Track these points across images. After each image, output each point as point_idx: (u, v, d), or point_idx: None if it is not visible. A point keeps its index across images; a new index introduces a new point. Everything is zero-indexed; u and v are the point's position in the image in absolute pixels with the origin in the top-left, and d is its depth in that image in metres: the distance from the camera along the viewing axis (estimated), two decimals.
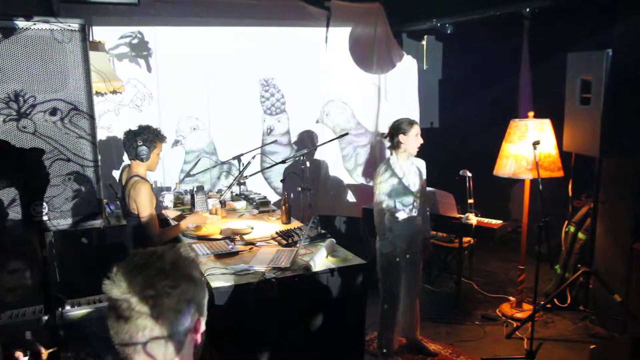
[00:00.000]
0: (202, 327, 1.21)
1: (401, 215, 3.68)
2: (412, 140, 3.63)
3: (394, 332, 3.91)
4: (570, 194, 4.84)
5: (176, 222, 3.82)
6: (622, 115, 3.75)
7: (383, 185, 3.67)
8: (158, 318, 1.11)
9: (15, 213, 3.04)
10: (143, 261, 1.15)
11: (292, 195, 5.33)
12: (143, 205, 3.38)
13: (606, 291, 4.23)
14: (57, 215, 3.35)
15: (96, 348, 3.08)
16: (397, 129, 3.66)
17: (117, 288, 1.11)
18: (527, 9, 4.59)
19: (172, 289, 1.12)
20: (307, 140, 5.94)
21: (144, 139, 3.43)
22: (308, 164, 4.38)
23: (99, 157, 3.52)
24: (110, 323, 1.13)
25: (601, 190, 4.32)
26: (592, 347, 3.47)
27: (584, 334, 4.27)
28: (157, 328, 1.11)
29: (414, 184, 3.70)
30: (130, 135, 3.47)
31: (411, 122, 3.65)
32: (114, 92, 4.24)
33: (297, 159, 4.31)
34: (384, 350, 3.86)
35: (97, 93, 4.04)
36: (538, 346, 3.80)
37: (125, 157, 4.83)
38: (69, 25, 3.23)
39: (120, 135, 4.90)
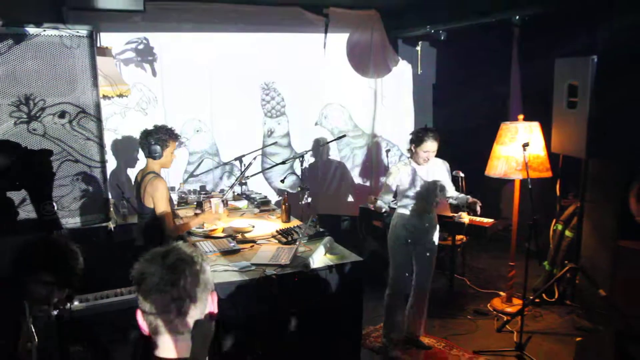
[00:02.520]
0: (215, 300, 1.38)
1: (401, 208, 3.77)
2: (420, 154, 3.66)
3: (400, 324, 3.93)
4: (558, 193, 4.86)
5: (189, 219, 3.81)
6: (606, 118, 3.77)
7: (393, 177, 3.76)
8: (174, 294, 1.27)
9: (25, 212, 3.06)
10: (160, 252, 1.32)
11: (291, 194, 5.35)
12: (160, 200, 3.37)
13: (592, 286, 4.25)
14: (66, 214, 3.37)
15: (104, 342, 3.09)
16: (413, 138, 3.73)
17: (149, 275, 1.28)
18: (517, 17, 4.60)
19: (182, 274, 1.30)
20: (306, 142, 5.95)
21: (157, 138, 3.44)
22: (307, 165, 4.39)
23: (106, 158, 3.54)
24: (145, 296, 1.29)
25: (587, 190, 4.33)
26: (578, 339, 3.49)
27: (571, 327, 4.28)
28: (191, 305, 1.29)
29: (422, 183, 3.73)
30: (145, 134, 3.47)
31: (422, 139, 3.63)
32: (121, 95, 4.24)
33: (296, 160, 4.31)
34: (388, 342, 3.88)
35: (104, 96, 4.04)
36: (527, 339, 3.81)
37: (138, 156, 4.87)
38: (78, 32, 3.25)
39: (127, 138, 4.94)
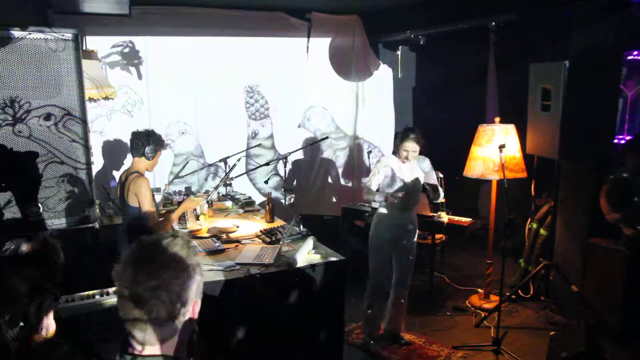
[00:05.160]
0: (198, 307, 1.29)
1: (384, 207, 3.77)
2: (401, 152, 3.69)
3: (380, 321, 3.95)
4: (533, 193, 4.92)
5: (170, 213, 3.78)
6: (578, 121, 3.84)
7: (376, 173, 3.77)
8: (160, 303, 1.18)
9: (11, 214, 3.02)
10: (149, 253, 1.21)
11: (275, 195, 5.34)
12: (143, 198, 3.35)
13: (565, 282, 4.32)
14: (52, 215, 3.34)
15: (90, 341, 3.06)
16: (399, 134, 3.75)
17: (125, 276, 1.18)
18: (493, 23, 4.67)
19: (175, 279, 1.19)
20: (290, 144, 5.95)
21: (154, 140, 3.43)
22: (290, 166, 4.39)
23: (92, 160, 3.51)
24: (119, 302, 1.20)
25: (560, 189, 4.41)
26: (552, 333, 3.54)
27: (545, 322, 4.35)
28: (159, 310, 1.18)
29: (402, 180, 3.74)
30: (142, 134, 3.45)
31: (403, 139, 3.66)
32: (106, 98, 4.20)
33: (280, 161, 4.32)
34: (369, 338, 3.90)
35: (90, 99, 4.00)
36: (504, 334, 3.86)
37: (124, 158, 4.81)
38: (63, 35, 3.23)
39: (112, 139, 4.90)
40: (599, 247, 4.16)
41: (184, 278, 1.22)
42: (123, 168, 4.74)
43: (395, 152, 3.79)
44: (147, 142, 3.42)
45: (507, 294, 4.57)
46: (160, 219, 3.58)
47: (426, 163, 3.85)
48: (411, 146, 3.64)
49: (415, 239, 3.90)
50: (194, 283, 1.25)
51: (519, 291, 4.71)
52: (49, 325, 1.90)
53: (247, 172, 5.56)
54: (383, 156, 3.93)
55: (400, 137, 3.71)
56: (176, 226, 3.87)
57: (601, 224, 4.12)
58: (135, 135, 3.47)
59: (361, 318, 3.98)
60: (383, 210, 3.81)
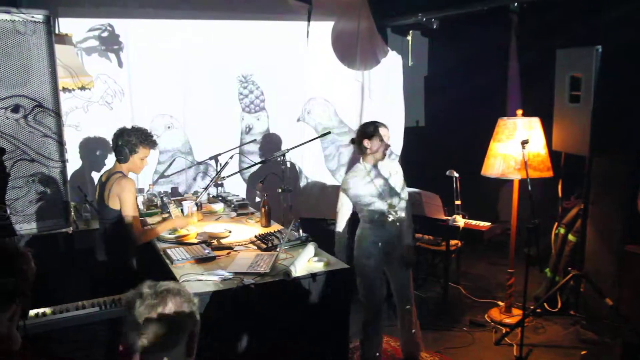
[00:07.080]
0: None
1: (370, 220, 3.66)
2: (376, 144, 3.56)
3: (376, 342, 3.89)
4: (560, 194, 4.90)
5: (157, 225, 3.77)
6: (612, 113, 3.81)
7: (349, 192, 3.64)
8: None
9: None
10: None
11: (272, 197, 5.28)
12: (127, 201, 3.35)
13: (597, 295, 4.29)
14: (21, 219, 3.30)
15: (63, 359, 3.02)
16: (362, 133, 3.60)
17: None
18: (515, 4, 4.66)
19: None
20: (288, 140, 5.92)
21: (126, 140, 3.44)
22: (289, 164, 4.36)
23: (66, 157, 3.47)
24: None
25: (591, 190, 4.37)
26: (583, 352, 3.52)
27: (575, 340, 4.30)
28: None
29: (383, 188, 3.61)
30: (117, 134, 3.47)
31: (376, 126, 3.57)
32: (83, 88, 4.17)
33: (277, 159, 4.28)
34: None
35: (64, 89, 3.97)
36: (528, 352, 3.84)
37: (103, 154, 4.82)
38: (33, 17, 3.19)
39: (90, 135, 4.88)
40: (636, 255, 4.12)
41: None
42: (103, 167, 4.72)
43: (364, 155, 3.64)
44: (116, 142, 3.41)
45: (532, 307, 4.54)
46: (145, 228, 3.57)
47: (397, 168, 3.73)
48: (386, 130, 3.58)
49: (409, 243, 3.73)
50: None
51: (545, 304, 4.67)
52: (13, 340, 1.86)
53: (241, 170, 5.52)
54: (347, 174, 3.76)
55: (370, 132, 3.56)
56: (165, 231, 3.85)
57: (638, 228, 4.09)
58: (113, 135, 3.50)
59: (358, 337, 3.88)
60: (366, 225, 3.68)
